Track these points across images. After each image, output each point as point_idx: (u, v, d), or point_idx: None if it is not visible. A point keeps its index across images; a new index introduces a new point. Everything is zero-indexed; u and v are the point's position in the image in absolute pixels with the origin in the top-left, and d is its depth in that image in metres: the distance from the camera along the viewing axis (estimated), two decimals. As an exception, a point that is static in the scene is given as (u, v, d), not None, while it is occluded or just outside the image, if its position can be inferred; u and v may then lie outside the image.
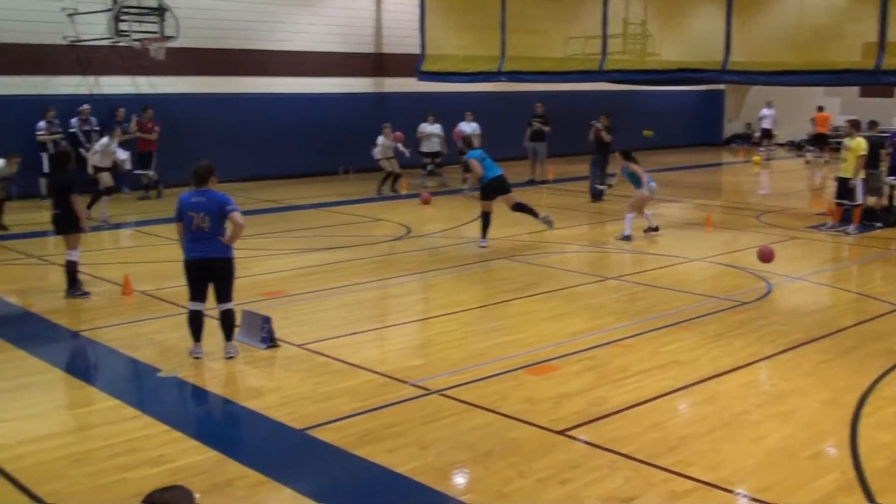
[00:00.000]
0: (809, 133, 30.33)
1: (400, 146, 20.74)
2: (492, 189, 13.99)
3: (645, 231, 15.03)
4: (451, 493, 5.73)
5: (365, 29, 25.08)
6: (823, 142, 29.22)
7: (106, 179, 16.22)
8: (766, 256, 12.00)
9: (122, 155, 19.95)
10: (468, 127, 21.97)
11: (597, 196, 19.55)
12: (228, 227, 8.16)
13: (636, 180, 14.93)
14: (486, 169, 13.96)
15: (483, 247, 13.81)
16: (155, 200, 19.42)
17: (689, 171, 26.87)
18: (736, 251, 13.76)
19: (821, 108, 29.37)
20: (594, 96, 28.84)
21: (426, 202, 18.88)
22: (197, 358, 8.26)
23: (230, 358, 8.30)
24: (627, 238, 14.55)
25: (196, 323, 8.32)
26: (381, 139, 20.84)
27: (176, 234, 8.48)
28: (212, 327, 8.50)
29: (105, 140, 16.36)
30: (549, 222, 14.36)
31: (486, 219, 13.97)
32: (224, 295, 8.31)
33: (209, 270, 8.21)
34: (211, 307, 8.37)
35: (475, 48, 22.16)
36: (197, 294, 8.28)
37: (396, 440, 6.46)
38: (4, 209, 15.57)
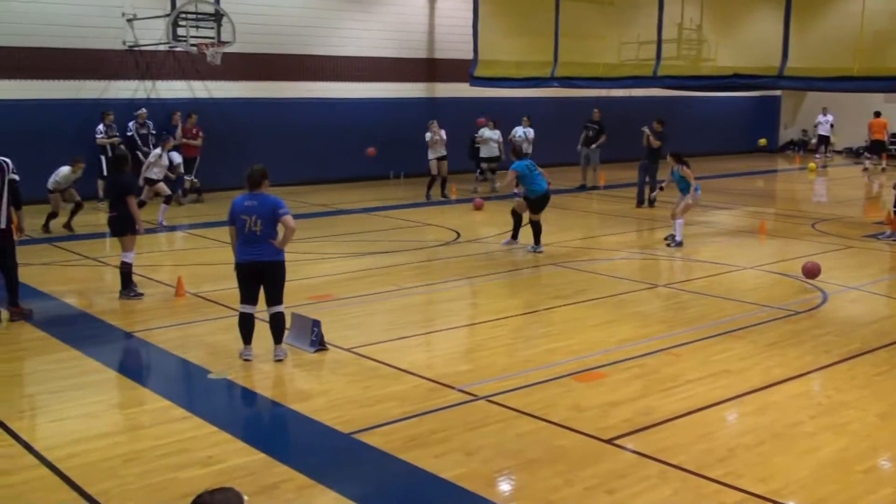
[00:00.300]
0: (866, 139, 29.76)
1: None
2: (541, 203, 14.04)
3: (665, 239, 14.84)
4: (497, 500, 5.70)
5: (418, 34, 25.16)
6: (882, 148, 28.55)
7: (162, 189, 16.41)
8: (811, 272, 11.73)
9: (178, 159, 20.28)
10: (524, 132, 21.88)
11: (642, 202, 19.35)
12: (280, 231, 8.25)
13: (685, 185, 14.71)
14: (533, 182, 13.89)
15: (539, 251, 13.84)
16: (199, 205, 19.59)
17: (743, 178, 26.52)
18: (790, 259, 13.53)
19: (877, 114, 28.73)
20: (648, 102, 28.63)
21: (478, 208, 18.85)
22: (247, 360, 8.35)
23: (279, 361, 8.37)
24: (679, 244, 14.38)
25: (247, 326, 8.40)
26: (429, 136, 20.82)
27: (228, 238, 8.56)
28: (262, 330, 8.59)
29: (157, 151, 16.45)
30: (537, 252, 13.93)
31: (536, 227, 14.01)
32: (275, 298, 8.37)
33: (261, 274, 8.28)
34: (261, 310, 8.45)
35: (528, 53, 22.13)
36: (248, 297, 8.37)
37: (443, 446, 6.46)
38: (76, 213, 15.84)
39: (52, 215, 15.57)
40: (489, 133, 21.61)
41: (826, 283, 11.73)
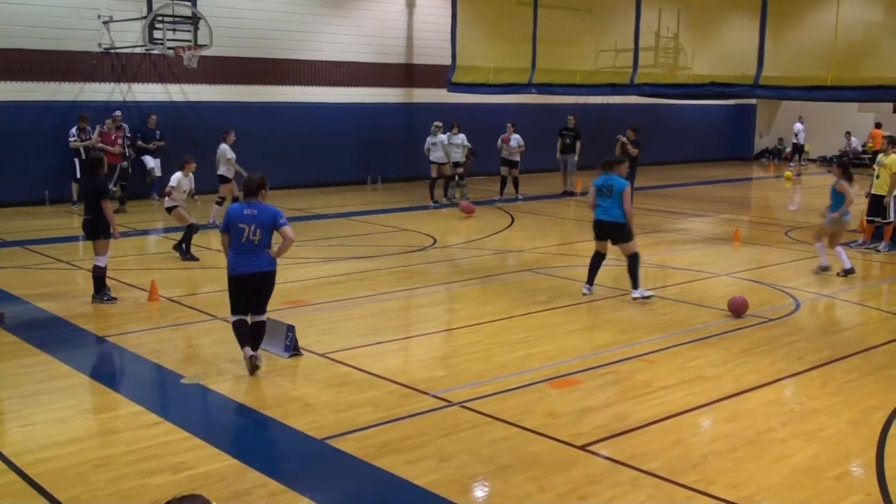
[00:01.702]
0: (846, 150, 30.01)
1: None
2: (598, 231, 11.75)
3: (838, 274, 12.96)
4: (470, 507, 5.69)
5: (396, 40, 25.17)
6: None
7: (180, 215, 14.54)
8: (737, 308, 10.50)
9: (151, 163, 20.21)
10: (512, 139, 21.67)
11: None
12: (279, 242, 8.17)
13: (839, 200, 12.96)
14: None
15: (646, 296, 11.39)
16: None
17: (719, 186, 26.69)
18: (763, 267, 13.62)
19: (878, 125, 28.75)
20: (625, 109, 28.79)
21: (468, 212, 18.72)
22: (257, 366, 8.13)
23: (258, 366, 8.21)
24: (826, 269, 13.00)
25: (244, 329, 8.23)
26: (446, 137, 20.79)
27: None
28: (229, 335, 8.52)
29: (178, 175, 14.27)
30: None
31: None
32: (260, 307, 8.27)
33: (255, 285, 8.17)
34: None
35: (505, 60, 22.15)
36: (240, 307, 8.24)
37: (416, 452, 6.44)
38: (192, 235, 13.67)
39: (189, 230, 13.54)
40: (453, 138, 21.34)
41: (799, 290, 11.81)
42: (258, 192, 8.16)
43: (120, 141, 18.87)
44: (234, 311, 8.27)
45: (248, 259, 8.07)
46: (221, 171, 16.92)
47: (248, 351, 8.16)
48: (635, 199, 16.50)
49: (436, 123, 21.20)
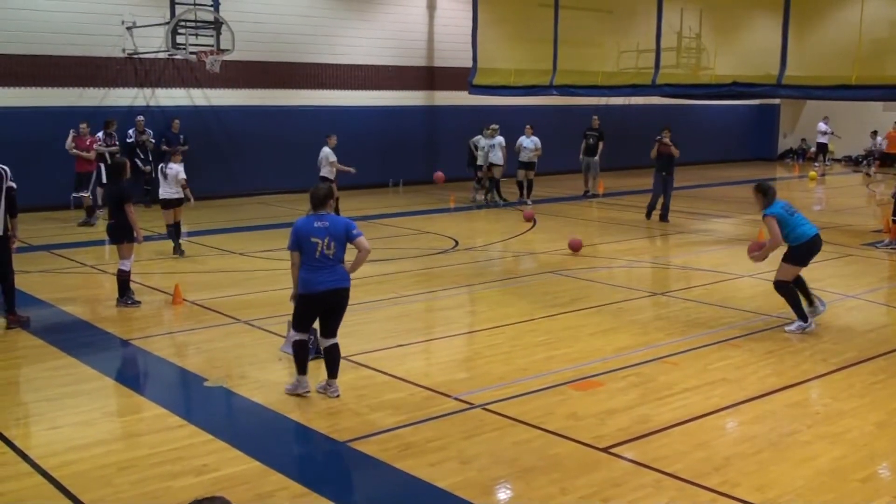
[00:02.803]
0: (869, 148, 29.73)
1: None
2: (804, 252, 10.06)
3: None
4: (492, 509, 5.69)
5: (417, 42, 25.21)
6: (893, 161, 27.90)
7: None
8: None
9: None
10: (529, 142, 21.53)
11: (649, 216, 18.59)
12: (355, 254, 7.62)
13: None
14: (797, 226, 10.06)
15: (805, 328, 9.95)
16: (90, 228, 17.20)
17: (742, 186, 26.47)
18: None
19: None
20: (647, 110, 28.71)
21: (529, 219, 18.29)
22: (305, 395, 7.65)
23: (336, 397, 7.63)
24: None
25: (304, 353, 7.70)
26: (497, 141, 20.89)
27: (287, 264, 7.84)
28: (252, 339, 8.57)
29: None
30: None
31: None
32: (334, 329, 7.66)
33: (332, 302, 7.56)
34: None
35: (527, 62, 22.18)
36: (307, 325, 7.70)
37: (438, 454, 6.44)
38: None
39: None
40: (484, 141, 21.35)
41: (824, 291, 11.71)
42: (326, 203, 7.61)
43: (95, 146, 17.97)
44: (299, 328, 7.69)
45: (323, 275, 7.43)
46: (324, 172, 17.47)
47: (305, 380, 7.69)
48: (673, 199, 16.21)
49: (492, 126, 21.33)
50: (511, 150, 21.59)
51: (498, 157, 20.99)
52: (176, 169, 14.02)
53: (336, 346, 7.70)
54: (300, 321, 7.69)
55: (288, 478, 6.03)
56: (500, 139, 21.12)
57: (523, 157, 21.46)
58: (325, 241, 7.41)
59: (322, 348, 7.77)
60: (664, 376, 8.24)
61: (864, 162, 28.68)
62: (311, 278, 7.46)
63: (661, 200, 18.46)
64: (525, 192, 21.57)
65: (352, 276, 7.68)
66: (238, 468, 6.21)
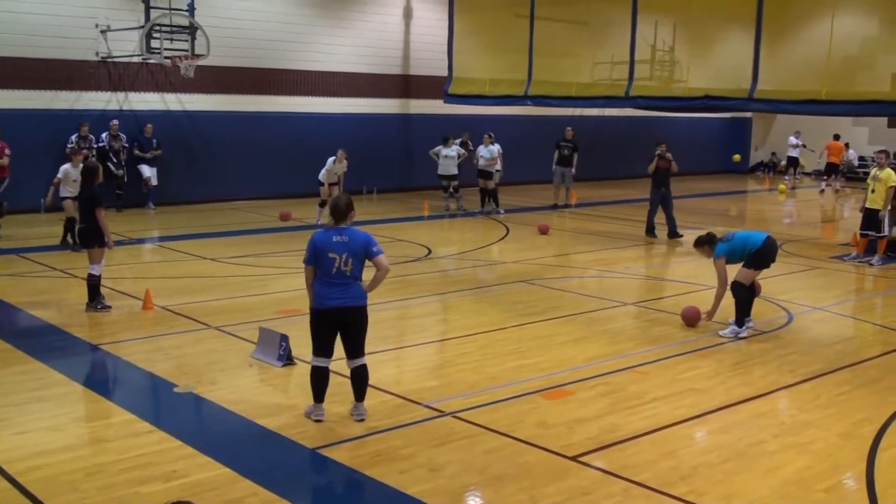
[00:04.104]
0: (818, 160, 30.50)
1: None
2: (767, 256, 10.55)
3: None
4: (461, 517, 5.71)
5: (393, 51, 25.25)
6: (834, 171, 29.36)
7: (69, 207, 14.47)
8: (689, 318, 10.62)
9: (147, 172, 20.27)
10: (486, 151, 21.33)
11: (651, 230, 18.04)
12: (373, 272, 7.26)
13: None
14: (746, 244, 10.54)
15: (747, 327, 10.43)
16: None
17: (714, 198, 26.76)
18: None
19: (836, 137, 29.33)
20: (621, 121, 28.91)
21: (544, 232, 18.01)
22: (318, 421, 7.28)
23: (361, 420, 7.31)
24: None
25: (322, 381, 7.31)
26: (494, 149, 21.11)
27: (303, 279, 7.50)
28: (222, 345, 8.54)
29: (66, 167, 14.71)
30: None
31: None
32: (358, 349, 7.32)
33: (345, 320, 7.22)
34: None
35: (502, 71, 22.29)
36: (326, 348, 7.29)
37: (408, 461, 6.46)
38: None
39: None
40: (445, 150, 21.25)
41: (792, 303, 11.86)
42: (347, 216, 7.25)
43: (7, 151, 16.68)
44: (316, 353, 7.31)
45: (336, 291, 7.11)
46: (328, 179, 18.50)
47: (322, 408, 7.33)
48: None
49: (488, 134, 21.65)
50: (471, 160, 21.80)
51: (486, 164, 21.16)
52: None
53: (363, 367, 7.34)
54: (316, 341, 7.33)
55: (257, 484, 6.02)
56: (496, 147, 21.41)
57: (480, 165, 21.46)
58: (343, 257, 7.08)
59: (350, 369, 7.41)
60: (634, 385, 8.30)
61: (833, 175, 29.24)
62: (324, 293, 7.16)
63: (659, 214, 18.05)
64: (491, 201, 21.46)
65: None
66: (207, 474, 6.19)
